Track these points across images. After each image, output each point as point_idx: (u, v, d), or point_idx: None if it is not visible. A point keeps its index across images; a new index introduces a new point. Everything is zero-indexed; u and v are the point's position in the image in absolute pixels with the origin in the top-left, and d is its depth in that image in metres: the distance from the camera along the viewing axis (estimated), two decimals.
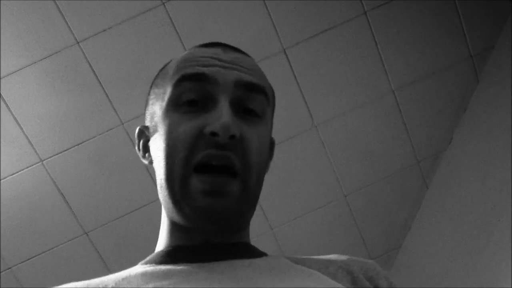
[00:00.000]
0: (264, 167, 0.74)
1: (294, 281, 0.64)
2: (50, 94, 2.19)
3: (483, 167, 2.16)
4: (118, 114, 2.25)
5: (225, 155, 0.66)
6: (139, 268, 0.69)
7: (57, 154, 2.28)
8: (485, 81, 2.38)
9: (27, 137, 2.23)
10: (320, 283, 0.65)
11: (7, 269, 2.38)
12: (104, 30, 2.14)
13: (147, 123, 0.78)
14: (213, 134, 0.66)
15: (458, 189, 2.32)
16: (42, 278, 2.41)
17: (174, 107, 0.71)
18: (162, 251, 0.72)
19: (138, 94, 2.22)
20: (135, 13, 2.14)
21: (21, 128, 2.22)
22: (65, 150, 2.27)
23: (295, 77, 2.32)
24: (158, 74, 0.80)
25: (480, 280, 1.91)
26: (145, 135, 0.78)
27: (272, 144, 0.81)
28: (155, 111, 0.75)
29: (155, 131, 0.73)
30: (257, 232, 2.46)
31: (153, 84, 0.79)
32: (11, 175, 2.27)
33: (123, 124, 2.27)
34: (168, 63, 0.79)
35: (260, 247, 0.78)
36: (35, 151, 2.26)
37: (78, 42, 2.14)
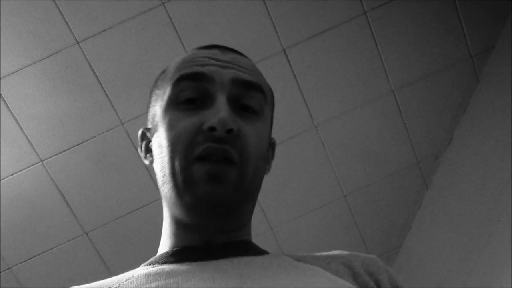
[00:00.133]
0: (261, 162, 0.75)
1: (295, 278, 0.65)
2: (50, 94, 2.19)
3: (483, 167, 2.16)
4: (118, 114, 2.25)
5: (223, 148, 0.68)
6: (142, 269, 0.70)
7: (57, 154, 2.28)
8: (485, 81, 2.38)
9: (27, 137, 2.23)
10: (321, 279, 0.65)
11: (7, 269, 2.38)
12: (104, 30, 2.14)
13: (149, 125, 0.80)
14: (211, 129, 0.68)
15: (458, 189, 2.32)
16: (42, 278, 2.41)
17: (173, 105, 0.73)
18: (165, 252, 0.73)
19: (138, 94, 2.22)
20: (135, 13, 2.14)
21: (21, 128, 2.22)
22: (65, 150, 2.27)
23: (295, 77, 2.32)
24: (158, 76, 0.82)
25: (480, 280, 1.91)
26: (147, 137, 0.81)
27: (272, 144, 0.82)
28: (156, 112, 0.77)
29: (156, 130, 0.75)
30: (257, 232, 2.46)
31: (154, 86, 0.81)
32: (11, 175, 2.27)
33: (123, 124, 2.27)
34: (168, 66, 0.81)
35: (260, 247, 0.78)
36: (35, 151, 2.26)
37: (78, 42, 2.14)
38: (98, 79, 2.20)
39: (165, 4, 2.14)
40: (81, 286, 0.68)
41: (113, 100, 2.23)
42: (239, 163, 0.69)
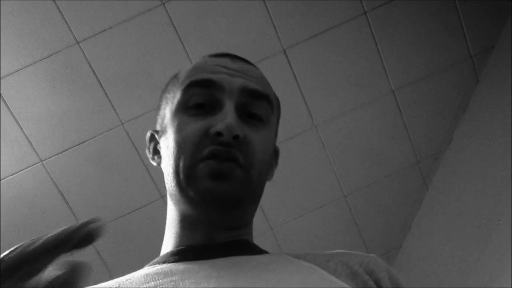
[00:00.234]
0: (266, 169, 0.77)
1: (294, 276, 0.65)
2: (50, 94, 2.19)
3: (483, 167, 2.16)
4: (118, 114, 2.25)
5: (229, 151, 0.70)
6: (144, 269, 0.71)
7: (57, 154, 2.28)
8: (485, 81, 2.38)
9: (27, 137, 2.23)
10: (319, 278, 0.66)
11: None
12: (104, 30, 2.14)
13: (158, 127, 0.82)
14: (218, 134, 0.70)
15: (458, 189, 2.32)
16: None
17: (182, 109, 0.76)
18: (166, 253, 0.74)
19: (138, 94, 2.22)
20: (135, 13, 2.14)
21: (21, 128, 2.22)
22: (65, 150, 2.28)
23: (295, 77, 2.32)
24: (169, 81, 0.85)
25: (480, 280, 1.91)
26: (155, 139, 0.83)
27: (276, 152, 0.85)
28: (165, 114, 0.80)
29: (165, 132, 0.78)
30: (257, 232, 2.46)
31: (165, 90, 0.84)
32: (11, 175, 2.27)
33: (123, 124, 2.27)
34: (180, 71, 0.84)
35: (260, 247, 0.78)
36: (35, 151, 2.26)
37: (78, 42, 2.14)
38: (98, 79, 2.20)
39: (165, 4, 2.14)
40: None
41: (113, 100, 2.23)
42: (244, 166, 0.71)
